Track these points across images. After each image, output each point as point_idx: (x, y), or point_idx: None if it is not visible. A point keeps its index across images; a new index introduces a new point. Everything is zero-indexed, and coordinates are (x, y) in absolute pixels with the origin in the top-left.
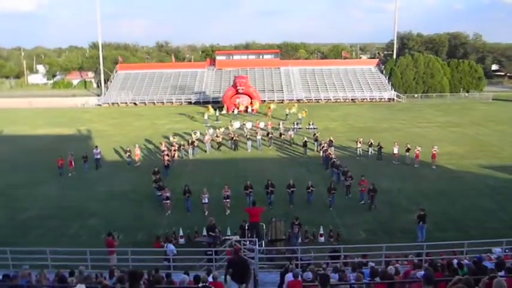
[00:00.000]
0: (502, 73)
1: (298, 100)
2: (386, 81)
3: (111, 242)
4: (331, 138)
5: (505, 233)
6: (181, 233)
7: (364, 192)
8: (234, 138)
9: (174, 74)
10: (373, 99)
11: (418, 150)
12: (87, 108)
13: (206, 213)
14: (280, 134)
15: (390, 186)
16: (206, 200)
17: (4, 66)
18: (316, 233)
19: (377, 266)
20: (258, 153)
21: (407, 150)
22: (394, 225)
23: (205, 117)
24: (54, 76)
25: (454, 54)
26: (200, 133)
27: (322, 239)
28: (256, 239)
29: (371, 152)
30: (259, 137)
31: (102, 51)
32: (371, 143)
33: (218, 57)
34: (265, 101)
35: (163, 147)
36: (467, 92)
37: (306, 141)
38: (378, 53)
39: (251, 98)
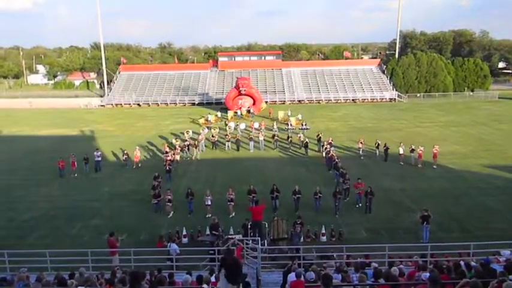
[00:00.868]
0: (509, 71)
1: (299, 101)
2: (388, 81)
3: (113, 243)
4: (331, 140)
5: None
6: (184, 232)
7: (361, 195)
8: (237, 139)
9: (177, 75)
10: (374, 99)
11: (420, 150)
12: (90, 109)
13: (210, 216)
14: (288, 137)
15: (392, 186)
16: (209, 202)
17: (1, 66)
18: (318, 232)
19: (380, 266)
20: (260, 153)
21: (412, 150)
22: (396, 225)
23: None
24: (55, 76)
25: (459, 52)
26: (193, 132)
27: (324, 238)
28: (259, 238)
29: (378, 153)
30: (261, 138)
31: (105, 52)
32: (378, 144)
33: (221, 59)
34: (267, 102)
35: (166, 149)
36: (472, 90)
37: (307, 142)
38: (380, 53)
39: (253, 99)
